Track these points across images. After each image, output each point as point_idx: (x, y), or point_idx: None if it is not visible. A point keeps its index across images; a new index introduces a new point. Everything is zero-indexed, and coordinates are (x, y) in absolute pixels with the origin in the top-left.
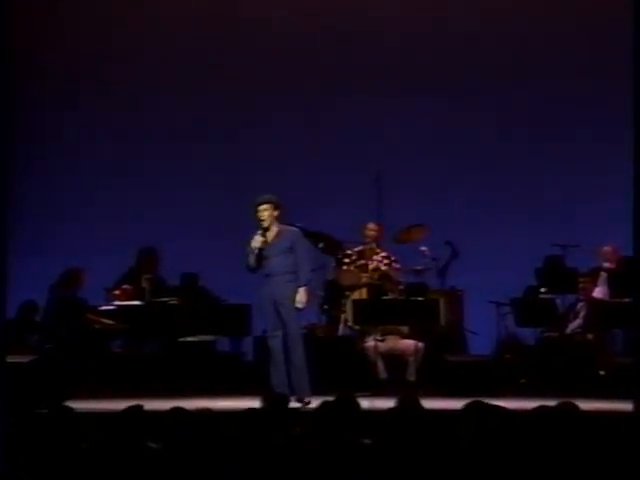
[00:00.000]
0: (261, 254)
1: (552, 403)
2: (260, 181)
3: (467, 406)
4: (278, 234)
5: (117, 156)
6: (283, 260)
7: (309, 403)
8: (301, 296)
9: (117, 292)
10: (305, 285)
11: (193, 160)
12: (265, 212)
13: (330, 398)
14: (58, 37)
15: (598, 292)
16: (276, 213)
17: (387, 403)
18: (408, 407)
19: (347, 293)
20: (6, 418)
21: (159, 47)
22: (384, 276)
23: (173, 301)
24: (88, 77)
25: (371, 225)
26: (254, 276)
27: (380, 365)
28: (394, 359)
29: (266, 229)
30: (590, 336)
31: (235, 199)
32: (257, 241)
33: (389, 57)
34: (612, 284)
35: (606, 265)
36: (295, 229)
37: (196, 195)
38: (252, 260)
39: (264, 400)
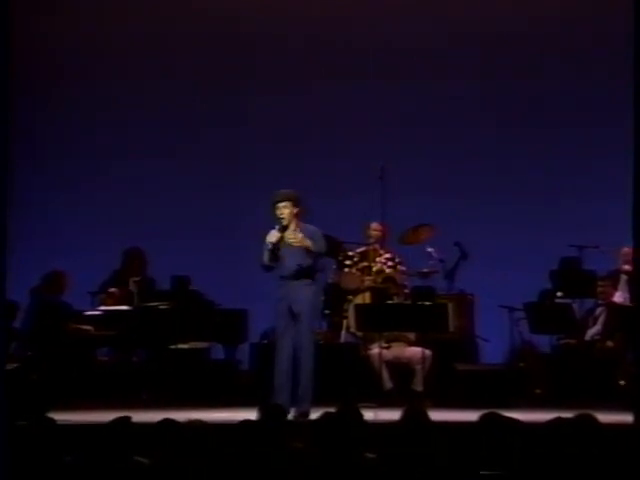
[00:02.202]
0: (277, 252)
1: (569, 415)
2: (256, 179)
3: (482, 418)
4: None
5: (101, 153)
6: (299, 261)
7: (308, 415)
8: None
9: (103, 296)
10: (314, 247)
11: (183, 155)
12: (285, 209)
13: (332, 409)
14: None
15: (618, 296)
16: (296, 210)
17: (392, 415)
18: (415, 419)
19: (349, 297)
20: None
21: (152, 46)
22: (388, 279)
23: (163, 306)
24: (72, 76)
25: (374, 225)
26: (250, 279)
27: (385, 374)
28: (400, 368)
29: (285, 227)
30: (610, 343)
31: (230, 198)
32: (273, 235)
33: (394, 49)
34: (633, 287)
35: (627, 267)
36: (314, 228)
37: (188, 193)
38: (266, 256)
39: (261, 411)
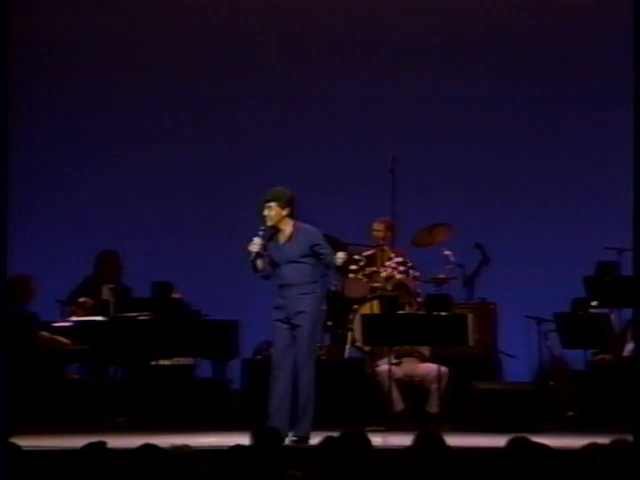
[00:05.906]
0: (269, 259)
1: (605, 440)
2: (253, 177)
3: (509, 444)
4: (291, 236)
5: (75, 146)
6: (297, 268)
7: (308, 439)
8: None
9: (73, 307)
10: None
11: (171, 150)
12: (271, 210)
13: (334, 433)
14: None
15: None
16: (285, 212)
17: (403, 440)
18: (429, 445)
19: (355, 307)
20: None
21: (147, 45)
22: (399, 286)
23: (143, 316)
24: (51, 73)
25: (375, 224)
26: (242, 287)
27: (395, 394)
28: (412, 387)
29: (275, 230)
30: None
31: (223, 198)
32: (255, 244)
33: (407, 37)
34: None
35: None
36: (313, 230)
37: (172, 191)
38: (252, 266)
39: (254, 436)
